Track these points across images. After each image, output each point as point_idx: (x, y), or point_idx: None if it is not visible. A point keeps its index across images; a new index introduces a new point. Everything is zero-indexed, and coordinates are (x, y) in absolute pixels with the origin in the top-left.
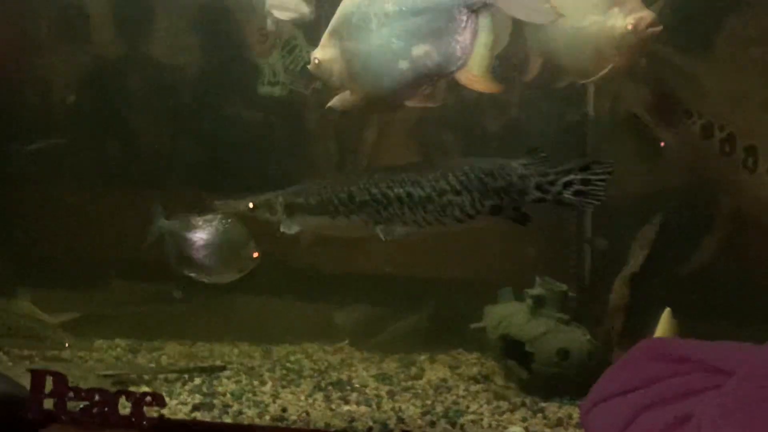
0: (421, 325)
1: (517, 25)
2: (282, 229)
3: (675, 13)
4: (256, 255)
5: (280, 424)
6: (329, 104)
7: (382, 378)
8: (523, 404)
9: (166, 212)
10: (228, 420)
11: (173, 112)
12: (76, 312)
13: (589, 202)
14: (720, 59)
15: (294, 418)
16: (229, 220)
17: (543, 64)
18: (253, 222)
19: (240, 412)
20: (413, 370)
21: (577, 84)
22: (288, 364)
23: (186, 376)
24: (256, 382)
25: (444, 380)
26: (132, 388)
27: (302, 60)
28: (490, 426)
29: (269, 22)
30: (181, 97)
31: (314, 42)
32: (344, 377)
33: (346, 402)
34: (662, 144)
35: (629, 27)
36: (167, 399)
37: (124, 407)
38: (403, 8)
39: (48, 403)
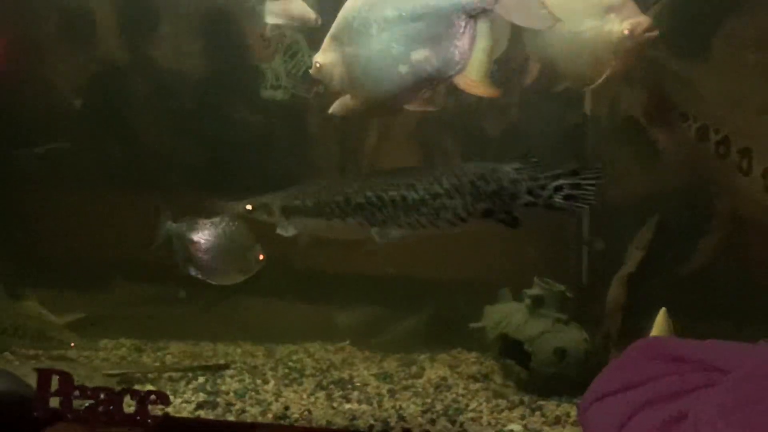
0: (422, 324)
1: (516, 30)
2: (278, 232)
3: (670, 17)
4: (261, 257)
5: (282, 422)
6: (330, 111)
7: (383, 377)
8: (522, 402)
9: (172, 215)
10: (231, 418)
11: (177, 116)
12: (82, 312)
13: (578, 206)
14: (715, 63)
15: (296, 416)
16: (236, 223)
17: (541, 68)
18: (257, 223)
19: (243, 411)
20: (414, 369)
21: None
22: (290, 363)
23: (190, 374)
24: (259, 381)
25: (444, 379)
26: (137, 387)
27: (304, 64)
28: (489, 424)
29: (268, 27)
30: (185, 101)
31: (316, 46)
32: (346, 376)
33: (348, 400)
34: (659, 146)
35: (625, 32)
36: (171, 397)
37: (129, 406)
38: (403, 13)
39: (54, 402)
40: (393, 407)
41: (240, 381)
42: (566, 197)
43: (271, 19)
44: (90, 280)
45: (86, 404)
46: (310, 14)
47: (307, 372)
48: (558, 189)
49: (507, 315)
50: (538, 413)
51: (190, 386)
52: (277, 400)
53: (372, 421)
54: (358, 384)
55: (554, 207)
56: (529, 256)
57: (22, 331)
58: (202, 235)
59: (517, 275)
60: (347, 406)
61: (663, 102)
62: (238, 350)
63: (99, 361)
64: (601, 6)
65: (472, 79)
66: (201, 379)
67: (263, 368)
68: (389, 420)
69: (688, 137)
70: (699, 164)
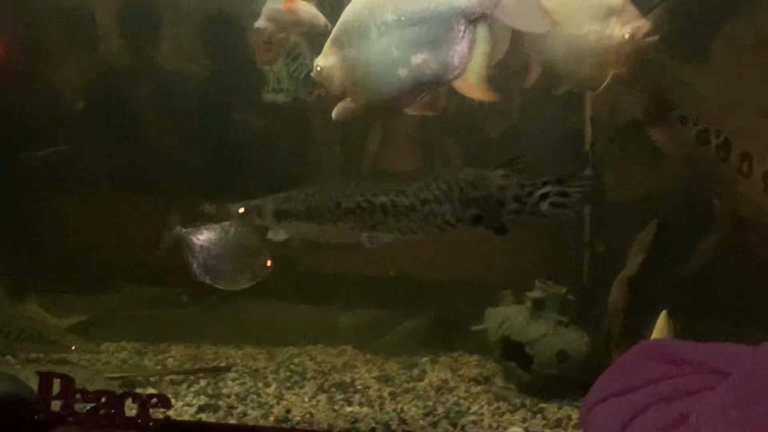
0: (423, 327)
1: (517, 33)
2: (269, 236)
3: (671, 21)
4: (269, 263)
5: (284, 425)
6: (333, 117)
7: (385, 380)
8: (523, 405)
9: (180, 219)
10: (233, 421)
11: (180, 119)
12: (84, 315)
13: (564, 214)
14: (715, 66)
15: (298, 419)
16: (244, 228)
17: (542, 71)
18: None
19: (245, 414)
20: (415, 371)
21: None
22: (292, 366)
23: (191, 378)
24: (260, 384)
25: (445, 382)
26: (138, 390)
27: (306, 67)
28: (490, 427)
29: (261, 22)
30: (188, 104)
31: (318, 49)
32: (347, 379)
33: (349, 403)
34: (660, 148)
35: (626, 36)
36: (173, 401)
37: (131, 409)
38: (402, 18)
39: (55, 405)
40: (394, 410)
41: (241, 384)
42: (553, 204)
43: (266, 24)
44: (92, 282)
45: (88, 407)
46: (321, 19)
47: (309, 375)
48: (545, 196)
49: (508, 317)
50: (539, 416)
51: (192, 389)
52: (278, 403)
53: (373, 424)
54: (360, 387)
55: (541, 214)
56: (530, 258)
57: (24, 335)
58: (211, 241)
59: (518, 277)
60: (349, 409)
61: (663, 105)
62: (240, 353)
63: (100, 365)
64: (602, 10)
65: (471, 83)
66: (202, 383)
67: (265, 371)
68: (390, 423)
69: (688, 140)
70: (699, 166)
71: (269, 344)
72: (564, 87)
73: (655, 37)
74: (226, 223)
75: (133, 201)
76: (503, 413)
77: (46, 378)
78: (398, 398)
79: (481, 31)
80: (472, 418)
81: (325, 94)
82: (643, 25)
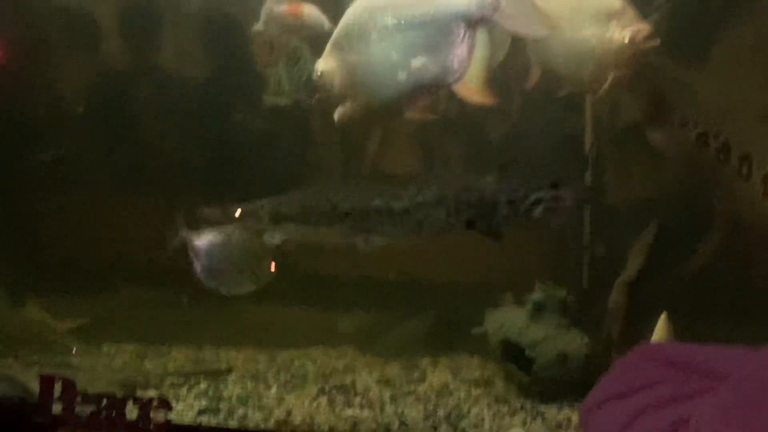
0: (424, 329)
1: (518, 36)
2: (264, 238)
3: (671, 24)
4: (273, 268)
5: (284, 428)
6: (336, 121)
7: (385, 382)
8: (524, 408)
9: (185, 222)
10: (233, 424)
11: (181, 121)
12: (85, 317)
13: (556, 220)
14: (715, 69)
15: (298, 422)
16: (249, 233)
17: (542, 73)
18: None
19: (245, 416)
20: (416, 374)
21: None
22: (293, 369)
23: (192, 380)
24: (261, 387)
25: (446, 384)
26: (139, 393)
27: (306, 70)
28: (491, 429)
29: (260, 25)
30: (190, 106)
31: (319, 52)
32: (348, 381)
33: (350, 406)
34: (659, 151)
35: (626, 39)
36: (174, 403)
37: (131, 412)
38: (402, 22)
39: (57, 408)
40: (395, 412)
41: (242, 387)
42: (545, 210)
43: (270, 27)
44: (92, 284)
45: (89, 410)
46: (324, 22)
47: (310, 377)
48: (537, 202)
49: (509, 320)
50: (539, 418)
51: (193, 392)
52: (279, 406)
53: (374, 427)
54: (360, 389)
55: (533, 219)
56: (530, 260)
57: (25, 337)
58: (216, 245)
59: (518, 279)
60: (349, 411)
61: (663, 107)
62: (241, 355)
63: (101, 367)
64: (602, 13)
65: (471, 87)
66: (203, 385)
67: (265, 374)
68: (391, 425)
69: (688, 142)
70: (699, 169)
71: (270, 346)
72: (565, 90)
73: (656, 40)
74: (230, 227)
75: (133, 203)
76: (504, 415)
77: (47, 381)
78: (399, 400)
79: (481, 35)
80: (472, 420)
81: (325, 97)
82: (643, 28)
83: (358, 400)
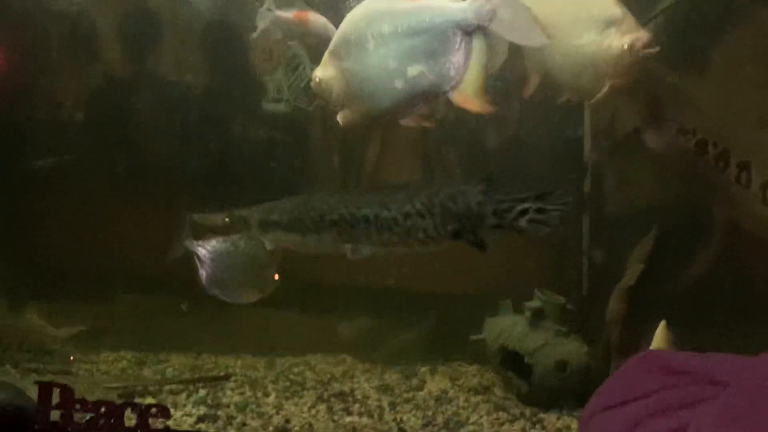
0: (422, 337)
1: (516, 44)
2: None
3: (670, 31)
4: (277, 277)
5: None
6: (339, 122)
7: (384, 389)
8: (523, 415)
9: (191, 231)
10: (232, 431)
11: (180, 128)
12: (83, 325)
13: (543, 230)
14: (714, 76)
15: (297, 429)
16: (254, 242)
17: (541, 81)
18: None
19: (244, 424)
20: (414, 381)
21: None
22: (291, 376)
23: (191, 387)
24: (259, 394)
25: (444, 391)
26: (137, 400)
27: (306, 77)
28: None
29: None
30: (189, 113)
31: (318, 59)
32: (346, 388)
33: (349, 413)
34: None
35: (625, 47)
36: (172, 410)
37: (130, 419)
38: (399, 30)
39: (55, 415)
40: (394, 420)
41: (241, 394)
42: (531, 221)
43: (276, 34)
44: (91, 292)
45: (87, 417)
46: (331, 30)
47: (308, 384)
48: (523, 212)
49: (507, 327)
50: (538, 426)
51: (191, 399)
52: (278, 413)
53: None
54: (359, 396)
55: (519, 230)
56: (529, 267)
57: (23, 345)
58: (222, 253)
59: (517, 287)
60: (348, 418)
61: (662, 115)
62: (239, 362)
63: (100, 374)
64: (601, 20)
65: (468, 95)
66: (202, 392)
67: (264, 381)
68: None
69: (687, 151)
70: (698, 176)
71: (268, 354)
72: (563, 97)
73: (655, 48)
74: (236, 236)
75: (132, 210)
76: (502, 423)
77: (45, 388)
78: (397, 408)
79: (478, 43)
80: (471, 428)
81: (324, 105)
82: (642, 36)
83: (356, 407)
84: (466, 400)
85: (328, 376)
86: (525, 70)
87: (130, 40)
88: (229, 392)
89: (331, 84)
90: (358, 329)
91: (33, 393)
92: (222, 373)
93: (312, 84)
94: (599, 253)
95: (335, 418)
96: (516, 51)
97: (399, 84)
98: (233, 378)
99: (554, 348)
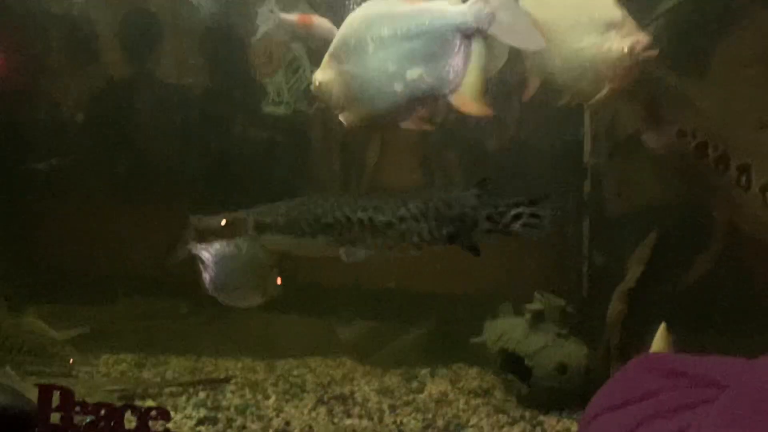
0: (422, 339)
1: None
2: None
3: (670, 34)
4: (279, 281)
5: None
6: (345, 124)
7: (384, 392)
8: (523, 418)
9: (194, 234)
10: None
11: (181, 130)
12: (83, 327)
13: (536, 235)
14: (714, 79)
15: (297, 431)
16: (257, 246)
17: (541, 83)
18: None
19: (244, 426)
20: (414, 384)
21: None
22: (291, 378)
23: (191, 390)
24: (259, 396)
25: (445, 394)
26: (137, 403)
27: (306, 80)
28: None
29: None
30: (189, 116)
31: (318, 61)
32: (346, 391)
33: (349, 416)
34: (658, 162)
35: (625, 50)
36: (172, 413)
37: (130, 422)
38: (398, 33)
39: (55, 418)
40: (394, 422)
41: (241, 396)
42: (524, 225)
43: (278, 36)
44: (91, 294)
45: (87, 420)
46: (334, 32)
47: (308, 387)
48: (517, 217)
49: (508, 330)
50: (539, 428)
51: (191, 402)
52: (278, 416)
53: None
54: (359, 399)
55: (512, 234)
56: (529, 270)
57: (23, 347)
58: (225, 257)
59: (517, 290)
60: (348, 421)
61: (662, 117)
62: (239, 365)
63: (100, 377)
64: (601, 23)
65: (467, 98)
66: (202, 395)
67: (264, 383)
68: None
69: (687, 153)
70: (698, 179)
71: (268, 356)
72: (563, 100)
73: (655, 51)
74: (239, 240)
75: (132, 213)
76: (502, 426)
77: (45, 390)
78: (397, 410)
79: (477, 46)
80: (471, 430)
81: (324, 107)
82: (642, 39)
83: (356, 410)
84: (467, 403)
85: (328, 378)
86: (525, 73)
87: (130, 41)
88: (229, 395)
89: (330, 87)
90: (358, 332)
91: (33, 395)
92: (222, 376)
93: (312, 86)
94: (599, 255)
95: (335, 420)
96: (516, 54)
97: (398, 87)
98: (233, 380)
99: (554, 350)
